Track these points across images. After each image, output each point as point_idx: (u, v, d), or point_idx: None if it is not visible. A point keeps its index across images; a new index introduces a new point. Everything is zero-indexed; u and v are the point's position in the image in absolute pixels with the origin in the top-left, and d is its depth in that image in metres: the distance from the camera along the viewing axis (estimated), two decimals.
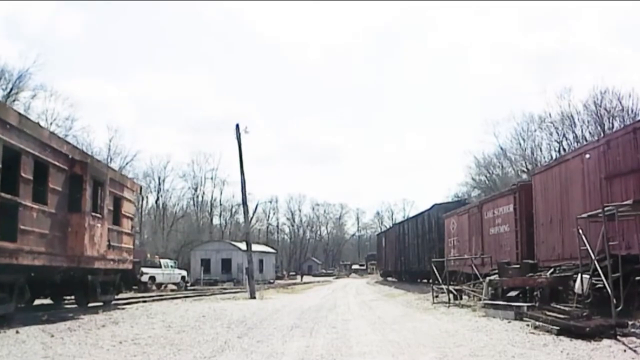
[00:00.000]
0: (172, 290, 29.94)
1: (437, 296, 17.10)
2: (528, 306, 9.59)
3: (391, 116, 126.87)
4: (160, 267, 31.01)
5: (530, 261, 11.44)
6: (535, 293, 9.97)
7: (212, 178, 70.98)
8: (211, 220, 74.83)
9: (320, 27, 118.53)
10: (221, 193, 72.79)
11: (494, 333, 8.46)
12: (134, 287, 20.96)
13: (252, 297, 21.96)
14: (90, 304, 13.27)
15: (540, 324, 8.23)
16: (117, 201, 13.72)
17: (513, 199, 16.83)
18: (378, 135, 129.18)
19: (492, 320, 10.18)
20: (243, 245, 33.02)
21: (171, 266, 32.74)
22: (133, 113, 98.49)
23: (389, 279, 44.95)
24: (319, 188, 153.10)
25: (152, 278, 29.33)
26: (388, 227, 65.26)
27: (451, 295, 15.85)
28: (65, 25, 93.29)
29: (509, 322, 9.65)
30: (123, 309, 14.44)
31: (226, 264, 47.55)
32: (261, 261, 50.90)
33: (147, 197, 65.58)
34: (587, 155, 12.64)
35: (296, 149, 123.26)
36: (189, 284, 38.86)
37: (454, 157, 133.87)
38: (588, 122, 44.18)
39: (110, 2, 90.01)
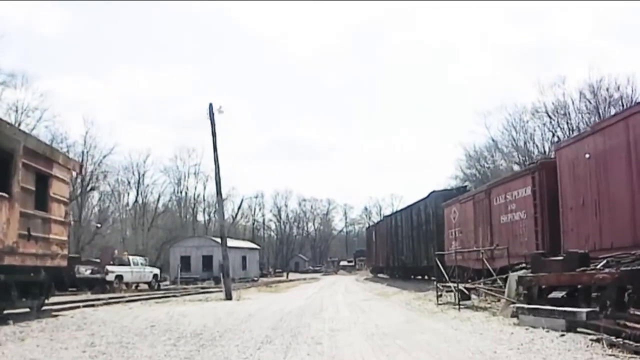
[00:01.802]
0: (142, 290, 27.02)
1: (440, 295, 14.45)
2: (588, 312, 6.89)
3: (380, 112, 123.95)
4: (128, 264, 28.09)
5: (580, 251, 8.75)
6: (593, 294, 7.28)
7: (195, 173, 68.01)
8: (195, 216, 71.89)
9: (309, 24, 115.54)
10: (205, 188, 69.82)
11: (553, 356, 5.73)
12: (71, 289, 17.91)
13: (228, 297, 19.34)
14: (8, 311, 10.29)
15: (621, 341, 5.56)
16: (42, 180, 10.67)
17: (531, 180, 14.21)
18: (366, 131, 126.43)
19: (533, 331, 7.42)
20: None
21: (141, 264, 29.81)
22: (118, 110, 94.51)
23: (380, 275, 42.38)
24: (305, 184, 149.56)
25: (120, 277, 26.50)
26: (376, 221, 62.55)
27: (459, 295, 13.14)
28: (45, 22, 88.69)
29: (562, 334, 6.88)
30: (55, 316, 11.53)
31: (207, 261, 44.34)
32: (244, 258, 48.09)
33: (127, 193, 62.47)
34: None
35: (283, 145, 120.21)
36: (164, 282, 36.02)
37: (444, 153, 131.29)
38: (583, 111, 42.19)
39: (93, 1, 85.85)
